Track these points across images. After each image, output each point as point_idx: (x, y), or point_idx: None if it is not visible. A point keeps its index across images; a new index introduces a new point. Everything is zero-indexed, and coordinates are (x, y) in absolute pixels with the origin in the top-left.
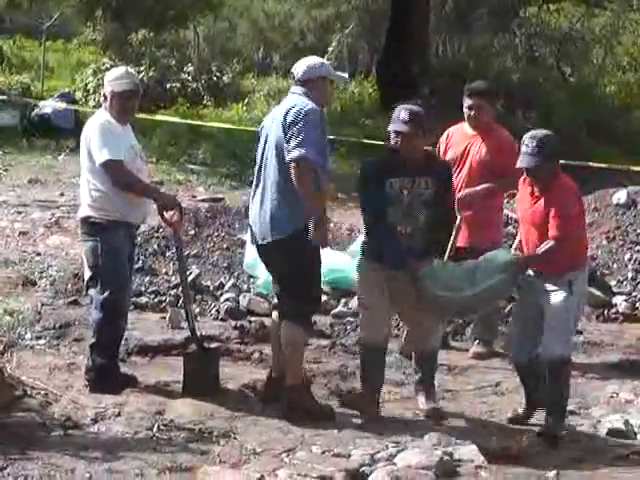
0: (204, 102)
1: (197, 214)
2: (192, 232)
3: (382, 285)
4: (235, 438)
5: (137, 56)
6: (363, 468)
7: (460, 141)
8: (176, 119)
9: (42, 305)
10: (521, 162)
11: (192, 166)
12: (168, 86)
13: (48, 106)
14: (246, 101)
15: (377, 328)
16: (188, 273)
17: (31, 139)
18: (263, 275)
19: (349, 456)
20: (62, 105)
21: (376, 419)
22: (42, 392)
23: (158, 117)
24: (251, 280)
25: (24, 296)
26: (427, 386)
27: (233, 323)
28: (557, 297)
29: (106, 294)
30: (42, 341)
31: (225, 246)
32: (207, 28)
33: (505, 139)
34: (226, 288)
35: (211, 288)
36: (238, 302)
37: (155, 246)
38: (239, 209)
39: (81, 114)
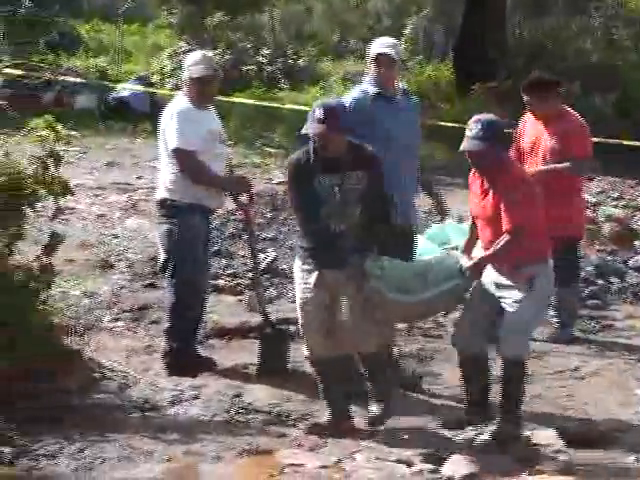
0: (280, 85)
1: (273, 197)
2: (268, 215)
3: (320, 289)
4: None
5: (213, 39)
6: (440, 451)
7: (531, 130)
8: (252, 102)
9: (120, 288)
10: (463, 146)
11: (268, 149)
12: (244, 69)
13: (125, 89)
14: (322, 84)
15: (316, 338)
16: (265, 256)
17: (108, 122)
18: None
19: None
20: (139, 88)
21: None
22: (120, 374)
23: (234, 99)
24: None
25: (102, 279)
26: (378, 392)
27: None
28: (516, 294)
29: (180, 277)
30: (120, 323)
31: None
32: (283, 11)
33: (573, 123)
34: None
35: (287, 271)
36: None
37: (232, 229)
38: None
39: (157, 97)
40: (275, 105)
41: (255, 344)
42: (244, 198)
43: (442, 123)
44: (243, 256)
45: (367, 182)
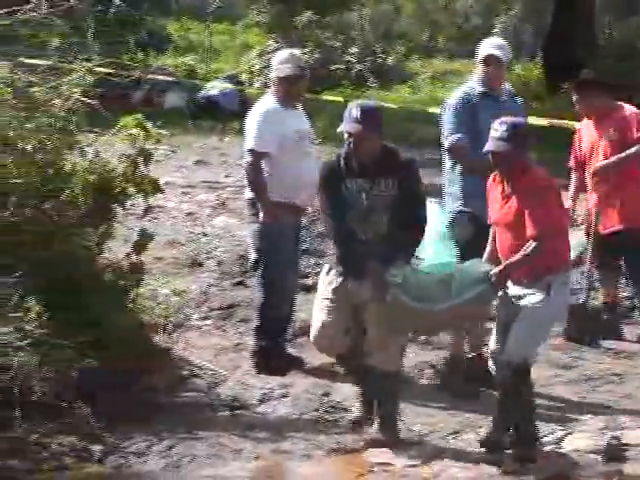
0: (368, 84)
1: None
2: None
3: (344, 294)
4: (401, 420)
5: (302, 38)
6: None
7: (588, 133)
8: (341, 100)
9: (208, 286)
10: (488, 146)
11: None
12: (333, 68)
13: (214, 88)
14: (410, 83)
15: (332, 333)
16: None
17: (197, 121)
18: (428, 256)
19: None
20: (228, 87)
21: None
22: (209, 372)
23: (323, 97)
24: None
25: (191, 277)
26: (383, 414)
27: None
28: (532, 298)
29: (270, 276)
30: (209, 322)
31: None
32: (372, 10)
33: (625, 113)
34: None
35: None
36: None
37: (321, 228)
38: None
39: (246, 96)
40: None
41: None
42: None
43: (534, 122)
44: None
45: (399, 190)
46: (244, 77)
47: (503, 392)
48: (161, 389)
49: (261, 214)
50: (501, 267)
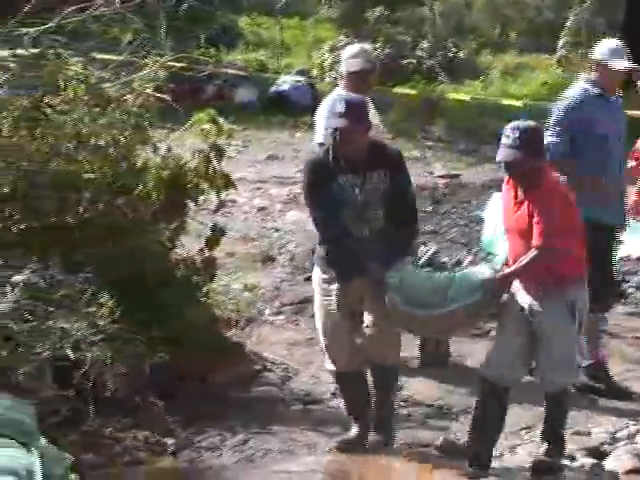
0: (440, 78)
1: (434, 191)
2: (429, 208)
3: (343, 301)
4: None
5: (372, 33)
6: (604, 447)
7: None
8: (413, 93)
9: (281, 281)
10: (499, 156)
11: (428, 142)
12: (403, 63)
13: (285, 83)
14: (482, 78)
15: (340, 352)
16: (426, 249)
17: (269, 116)
18: (501, 252)
19: (589, 434)
20: (299, 82)
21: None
22: (282, 367)
23: (395, 90)
24: (489, 257)
25: (263, 272)
26: (381, 415)
27: None
28: (557, 322)
29: None
30: (281, 317)
31: (463, 223)
32: (442, 4)
33: None
34: (464, 265)
35: (448, 265)
36: None
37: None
38: (477, 186)
39: (318, 91)
40: (435, 98)
41: (417, 338)
42: None
43: None
44: None
45: (390, 182)
46: (315, 72)
47: (551, 409)
48: (234, 384)
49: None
50: (503, 275)
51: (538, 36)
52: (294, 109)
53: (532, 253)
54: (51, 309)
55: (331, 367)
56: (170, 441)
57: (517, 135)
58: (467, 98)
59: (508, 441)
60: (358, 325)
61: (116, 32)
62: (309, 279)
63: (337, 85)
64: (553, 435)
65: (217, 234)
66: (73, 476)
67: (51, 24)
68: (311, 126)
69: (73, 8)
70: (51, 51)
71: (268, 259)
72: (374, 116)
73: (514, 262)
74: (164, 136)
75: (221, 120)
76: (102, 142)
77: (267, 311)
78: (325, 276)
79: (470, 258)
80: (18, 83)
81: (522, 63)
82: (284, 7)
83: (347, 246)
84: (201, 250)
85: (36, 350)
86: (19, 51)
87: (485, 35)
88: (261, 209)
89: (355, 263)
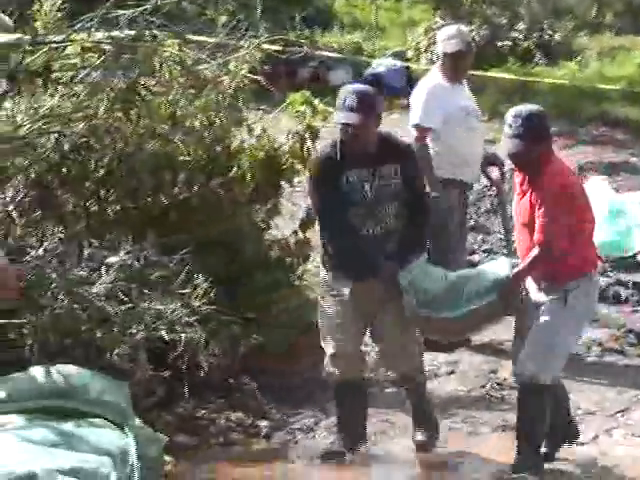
0: (535, 60)
1: None
2: None
3: (352, 304)
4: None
5: (468, 14)
6: None
7: None
8: (507, 76)
9: None
10: (503, 147)
11: None
12: (499, 44)
13: (381, 65)
14: (578, 59)
15: (344, 360)
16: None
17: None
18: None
19: None
20: (395, 64)
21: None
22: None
23: (490, 74)
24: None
25: None
26: (420, 417)
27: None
28: (546, 308)
29: (438, 253)
30: None
31: None
32: None
33: None
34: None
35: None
36: None
37: (488, 204)
38: (573, 169)
39: (413, 73)
40: (531, 79)
41: (511, 320)
42: (496, 174)
43: None
44: (499, 232)
45: (402, 176)
46: (410, 54)
47: (519, 403)
48: None
49: (428, 190)
50: (512, 276)
51: (635, 17)
52: (389, 91)
53: (534, 251)
54: (146, 290)
55: (331, 375)
56: (264, 423)
57: (519, 123)
58: (563, 81)
59: (604, 424)
60: (364, 331)
61: (211, 14)
62: None
63: (433, 67)
64: (524, 437)
65: (312, 215)
66: (167, 457)
67: (147, 6)
68: (406, 108)
69: None
70: (147, 33)
71: None
72: (470, 98)
73: (522, 257)
74: (259, 118)
75: (316, 102)
76: (197, 124)
77: None
78: (332, 278)
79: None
80: (114, 65)
81: (619, 45)
82: None
83: (357, 245)
84: (295, 232)
85: (131, 331)
86: (115, 33)
87: (581, 16)
88: None
89: (366, 263)
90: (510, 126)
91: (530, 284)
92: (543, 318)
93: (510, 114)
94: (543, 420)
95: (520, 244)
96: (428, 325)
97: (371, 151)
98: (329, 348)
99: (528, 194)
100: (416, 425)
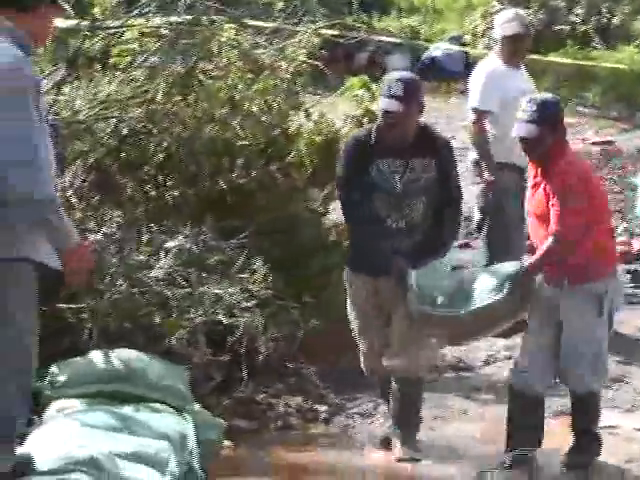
0: (593, 44)
1: (589, 157)
2: None
3: (372, 299)
4: (627, 382)
5: None
6: None
7: None
8: (566, 61)
9: None
10: (516, 130)
11: (582, 109)
12: (557, 29)
13: (438, 49)
14: (637, 43)
15: (374, 356)
16: None
17: (421, 82)
18: None
19: None
20: (452, 48)
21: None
22: None
23: (548, 58)
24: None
25: None
26: (406, 427)
27: (625, 267)
28: (583, 317)
29: (495, 237)
30: None
31: (617, 190)
32: None
33: None
34: (619, 231)
35: None
36: None
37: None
38: (631, 152)
39: (470, 57)
40: (589, 64)
41: None
42: None
43: None
44: None
45: (436, 172)
46: (468, 38)
47: (578, 412)
48: None
49: (485, 174)
50: (525, 269)
51: None
52: (447, 75)
53: (547, 242)
54: (204, 275)
55: (365, 367)
56: (322, 408)
57: (534, 109)
58: (621, 65)
59: None
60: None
61: None
62: (463, 246)
63: (490, 51)
64: (584, 434)
65: None
66: (226, 441)
67: None
68: (464, 92)
69: None
70: (205, 18)
71: None
72: (528, 81)
73: (536, 250)
74: (316, 102)
75: (374, 86)
76: (255, 108)
77: None
78: (354, 270)
79: (624, 226)
80: (172, 50)
81: None
82: None
83: (379, 238)
84: None
85: (189, 316)
86: (173, 18)
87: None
88: None
89: (387, 257)
90: (524, 110)
91: (542, 283)
92: (582, 330)
93: (525, 100)
94: (597, 422)
95: (535, 238)
96: (431, 323)
97: (407, 142)
98: (360, 345)
99: (542, 185)
100: (401, 439)
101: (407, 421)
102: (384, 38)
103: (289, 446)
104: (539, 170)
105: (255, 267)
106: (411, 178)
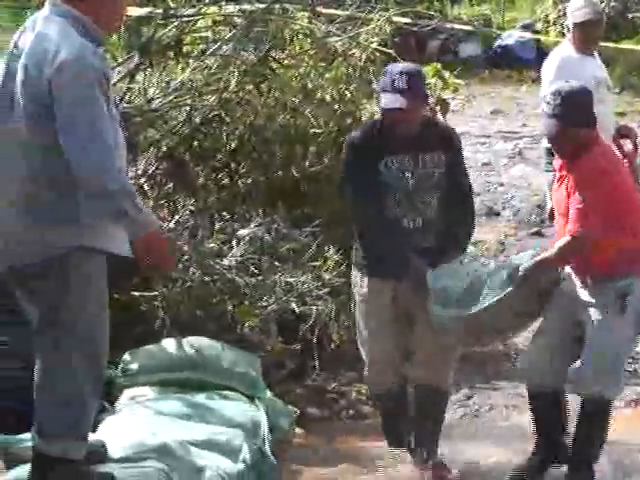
0: None
1: None
2: None
3: (389, 305)
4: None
5: None
6: None
7: None
8: (638, 48)
9: (505, 236)
10: (542, 126)
11: None
12: (630, 17)
13: (510, 37)
14: None
15: (381, 368)
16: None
17: (493, 70)
18: None
19: None
20: (524, 36)
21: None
22: None
23: (622, 46)
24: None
25: (487, 226)
26: (429, 437)
27: None
28: (602, 316)
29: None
30: None
31: None
32: None
33: None
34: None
35: None
36: None
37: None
38: None
39: (542, 45)
40: None
41: None
42: (629, 146)
43: None
44: None
45: (445, 165)
46: (539, 26)
47: (583, 419)
48: None
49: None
50: (534, 262)
51: None
52: (519, 63)
53: (564, 239)
54: (277, 263)
55: (369, 383)
56: None
57: (558, 102)
58: None
59: None
60: (403, 337)
61: None
62: (535, 234)
63: (562, 39)
64: (583, 451)
65: None
66: (298, 429)
67: None
68: (536, 80)
69: None
70: (277, 6)
71: (492, 214)
72: (601, 68)
73: None
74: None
75: (446, 74)
76: (328, 96)
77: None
78: (366, 277)
79: None
80: (245, 38)
81: None
82: None
83: (395, 239)
84: None
85: (262, 304)
86: (246, 6)
87: None
88: (485, 164)
89: (405, 259)
90: (549, 103)
91: (567, 279)
92: (601, 329)
93: (549, 91)
94: (604, 437)
95: (557, 235)
96: (448, 326)
97: (415, 136)
98: (369, 356)
99: (565, 181)
100: (425, 450)
101: (432, 433)
102: (456, 26)
103: (360, 434)
104: (565, 165)
105: (327, 255)
106: (423, 174)
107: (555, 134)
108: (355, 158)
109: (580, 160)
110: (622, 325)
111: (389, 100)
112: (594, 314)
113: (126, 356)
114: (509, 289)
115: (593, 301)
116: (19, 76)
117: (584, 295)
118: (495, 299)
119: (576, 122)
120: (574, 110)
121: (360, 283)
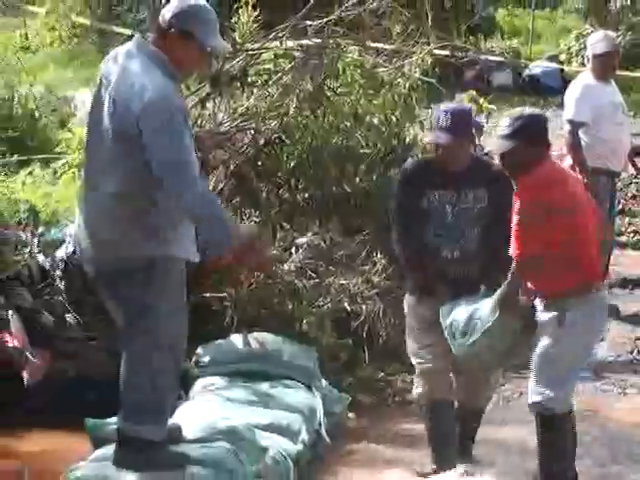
0: None
1: None
2: None
3: (436, 323)
4: None
5: (616, 22)
6: None
7: None
8: None
9: None
10: (494, 148)
11: None
12: None
13: (537, 67)
14: None
15: (435, 381)
16: None
17: (522, 97)
18: None
19: None
20: (550, 66)
21: None
22: None
23: (636, 74)
24: None
25: None
26: (466, 442)
27: None
28: (545, 330)
29: None
30: None
31: None
32: None
33: None
34: None
35: None
36: None
37: (634, 190)
38: None
39: (565, 74)
40: None
41: None
42: None
43: None
44: None
45: (489, 203)
46: (563, 57)
47: (538, 433)
48: None
49: (579, 177)
50: (502, 287)
51: None
52: (545, 91)
53: (512, 267)
54: (331, 267)
55: (419, 394)
56: None
57: (507, 124)
58: None
59: None
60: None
61: (388, 23)
62: None
63: (583, 69)
64: (544, 472)
65: None
66: (350, 414)
67: (332, 17)
68: (560, 105)
69: (352, 2)
70: (331, 41)
71: None
72: (617, 94)
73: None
74: (430, 114)
75: (480, 100)
76: (376, 120)
77: None
78: (416, 298)
79: None
80: (303, 69)
81: None
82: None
83: (436, 268)
84: None
85: (318, 303)
86: (304, 41)
87: None
88: None
89: (444, 288)
90: (500, 127)
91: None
92: (542, 343)
93: (504, 116)
94: (563, 456)
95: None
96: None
97: (460, 173)
98: (415, 367)
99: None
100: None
101: (468, 438)
102: (490, 57)
103: (407, 417)
104: (515, 185)
105: (375, 260)
106: (464, 208)
107: (503, 152)
108: (404, 187)
109: (527, 179)
110: (560, 341)
111: (433, 136)
112: (539, 331)
113: (199, 350)
114: (496, 316)
115: (542, 318)
116: (106, 106)
117: (539, 315)
118: (486, 326)
119: (526, 139)
120: (525, 129)
121: (410, 303)
